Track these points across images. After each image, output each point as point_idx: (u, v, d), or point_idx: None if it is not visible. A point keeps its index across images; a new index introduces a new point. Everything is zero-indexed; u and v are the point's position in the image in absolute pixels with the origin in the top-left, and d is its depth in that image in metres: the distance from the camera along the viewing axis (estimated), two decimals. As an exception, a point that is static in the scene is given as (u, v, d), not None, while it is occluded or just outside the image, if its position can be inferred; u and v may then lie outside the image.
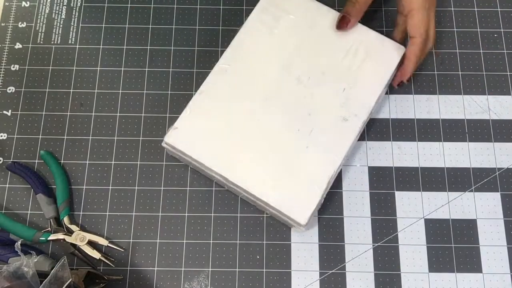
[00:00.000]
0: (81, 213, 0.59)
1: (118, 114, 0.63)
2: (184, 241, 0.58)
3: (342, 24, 0.59)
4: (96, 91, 0.64)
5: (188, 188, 0.60)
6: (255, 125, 0.57)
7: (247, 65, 0.59)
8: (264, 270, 0.57)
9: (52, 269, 0.51)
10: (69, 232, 0.58)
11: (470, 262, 0.57)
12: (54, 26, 0.67)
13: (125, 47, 0.66)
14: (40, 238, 0.57)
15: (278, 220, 0.58)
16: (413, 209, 0.59)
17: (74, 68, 0.65)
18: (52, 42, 0.67)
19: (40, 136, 0.62)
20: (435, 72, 0.65)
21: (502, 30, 0.67)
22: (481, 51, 0.66)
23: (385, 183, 0.60)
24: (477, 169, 0.61)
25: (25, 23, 0.67)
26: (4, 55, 0.66)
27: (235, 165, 0.56)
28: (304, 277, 0.57)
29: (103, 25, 0.67)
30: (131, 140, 0.62)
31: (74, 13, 0.68)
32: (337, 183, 0.60)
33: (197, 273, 0.57)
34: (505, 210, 0.59)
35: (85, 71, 0.65)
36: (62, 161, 0.61)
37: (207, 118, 0.57)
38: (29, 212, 0.59)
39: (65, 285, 0.50)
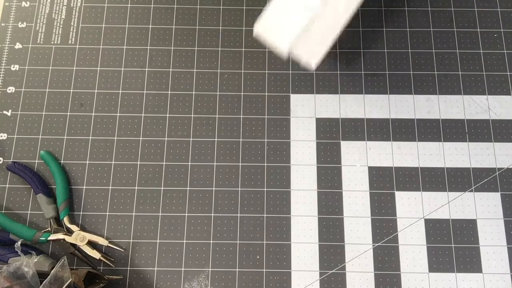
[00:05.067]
0: (81, 213, 0.59)
1: (118, 114, 0.63)
2: (184, 241, 0.58)
3: None
4: (96, 91, 0.64)
5: (188, 188, 0.60)
6: None
7: None
8: (264, 270, 0.57)
9: (52, 269, 0.51)
10: (69, 232, 0.58)
11: (470, 262, 0.57)
12: (54, 26, 0.67)
13: (125, 47, 0.66)
14: (40, 238, 0.57)
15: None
16: (413, 209, 0.59)
17: (74, 68, 0.65)
18: (52, 42, 0.67)
19: (40, 136, 0.62)
20: (435, 72, 0.65)
21: (502, 30, 0.67)
22: (481, 51, 0.66)
23: (385, 183, 0.60)
24: (477, 169, 0.61)
25: (25, 23, 0.67)
26: (4, 55, 0.66)
27: None
28: (304, 277, 0.57)
29: (103, 25, 0.67)
30: (131, 140, 0.62)
31: (74, 13, 0.68)
32: (337, 183, 0.60)
33: (197, 273, 0.57)
34: (505, 210, 0.59)
35: (85, 71, 0.65)
36: (62, 161, 0.61)
37: None
38: (29, 212, 0.59)
39: (65, 285, 0.50)
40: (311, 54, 0.56)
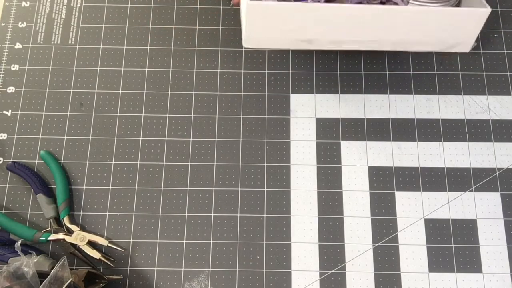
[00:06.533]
0: (81, 213, 0.59)
1: (118, 114, 0.63)
2: (184, 241, 0.58)
3: None
4: (96, 91, 0.64)
5: (188, 188, 0.60)
6: None
7: None
8: (264, 270, 0.57)
9: (52, 269, 0.51)
10: (69, 232, 0.58)
11: (470, 262, 0.57)
12: (54, 26, 0.67)
13: (125, 47, 0.66)
14: (40, 238, 0.57)
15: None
16: (413, 209, 0.59)
17: (74, 68, 0.65)
18: (52, 42, 0.67)
19: (40, 136, 0.62)
20: (435, 72, 0.65)
21: (502, 30, 0.67)
22: (481, 51, 0.66)
23: (385, 183, 0.60)
24: (477, 169, 0.61)
25: (25, 23, 0.67)
26: (4, 55, 0.66)
27: None
28: (304, 277, 0.57)
29: (103, 25, 0.67)
30: (131, 140, 0.62)
31: (74, 13, 0.68)
32: (337, 182, 0.60)
33: (197, 273, 0.57)
34: (505, 210, 0.59)
35: (85, 71, 0.65)
36: (62, 161, 0.61)
37: None
38: (29, 212, 0.59)
39: (65, 285, 0.50)
40: None
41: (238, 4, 0.54)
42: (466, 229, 0.58)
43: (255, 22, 0.51)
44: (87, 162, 0.61)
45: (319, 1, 0.51)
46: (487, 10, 0.55)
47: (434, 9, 0.54)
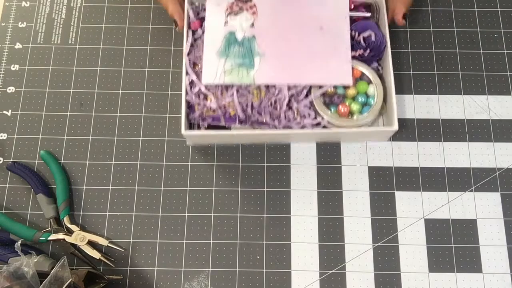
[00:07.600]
0: (81, 213, 0.59)
1: (118, 114, 0.63)
2: (184, 241, 0.58)
3: None
4: (96, 91, 0.64)
5: (188, 188, 0.60)
6: None
7: None
8: (264, 270, 0.57)
9: (52, 269, 0.51)
10: (69, 232, 0.58)
11: (470, 262, 0.57)
12: (54, 26, 0.67)
13: (125, 47, 0.66)
14: (40, 238, 0.57)
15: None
16: (413, 209, 0.59)
17: (74, 68, 0.65)
18: (52, 42, 0.67)
19: (40, 136, 0.62)
20: (435, 72, 0.65)
21: (502, 30, 0.67)
22: (481, 51, 0.66)
23: (385, 183, 0.60)
24: (477, 169, 0.61)
25: (25, 23, 0.67)
26: (4, 55, 0.66)
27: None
28: (304, 277, 0.57)
29: (103, 25, 0.67)
30: (131, 140, 0.62)
31: (74, 13, 0.68)
32: (337, 182, 0.60)
33: (197, 273, 0.57)
34: (505, 210, 0.59)
35: (85, 71, 0.65)
36: (62, 161, 0.61)
37: None
38: (29, 212, 0.59)
39: (65, 285, 0.50)
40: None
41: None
42: (466, 229, 0.58)
43: (193, 139, 0.61)
44: (87, 162, 0.61)
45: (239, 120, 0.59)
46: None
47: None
